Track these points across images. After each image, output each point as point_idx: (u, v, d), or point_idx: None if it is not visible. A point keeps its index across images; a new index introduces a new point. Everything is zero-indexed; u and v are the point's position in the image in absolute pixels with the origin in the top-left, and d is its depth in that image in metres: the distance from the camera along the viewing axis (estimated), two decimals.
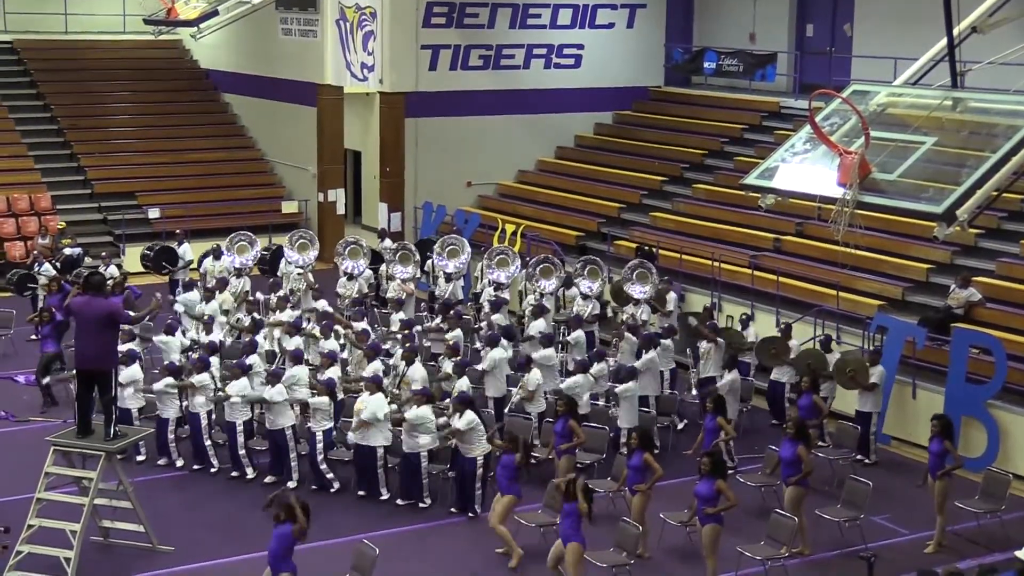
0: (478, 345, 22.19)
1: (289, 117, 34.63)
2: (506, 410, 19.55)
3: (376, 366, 19.18)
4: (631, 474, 16.08)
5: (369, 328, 21.38)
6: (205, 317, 22.17)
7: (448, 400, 18.05)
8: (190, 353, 20.27)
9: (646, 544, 15.92)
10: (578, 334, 21.60)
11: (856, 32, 30.46)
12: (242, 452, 18.31)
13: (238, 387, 18.19)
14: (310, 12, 33.47)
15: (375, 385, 17.69)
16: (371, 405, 17.41)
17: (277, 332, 21.39)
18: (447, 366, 19.71)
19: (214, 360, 19.34)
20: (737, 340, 21.45)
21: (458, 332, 21.44)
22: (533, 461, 16.74)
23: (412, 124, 31.82)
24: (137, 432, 16.91)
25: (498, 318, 22.36)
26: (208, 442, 18.57)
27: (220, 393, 18.34)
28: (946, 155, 14.72)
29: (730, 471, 17.93)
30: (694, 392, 21.20)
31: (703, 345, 20.91)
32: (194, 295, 23.40)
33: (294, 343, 20.34)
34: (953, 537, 16.59)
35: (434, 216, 30.37)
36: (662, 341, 20.76)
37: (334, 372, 19.06)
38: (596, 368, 19.61)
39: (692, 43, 34.29)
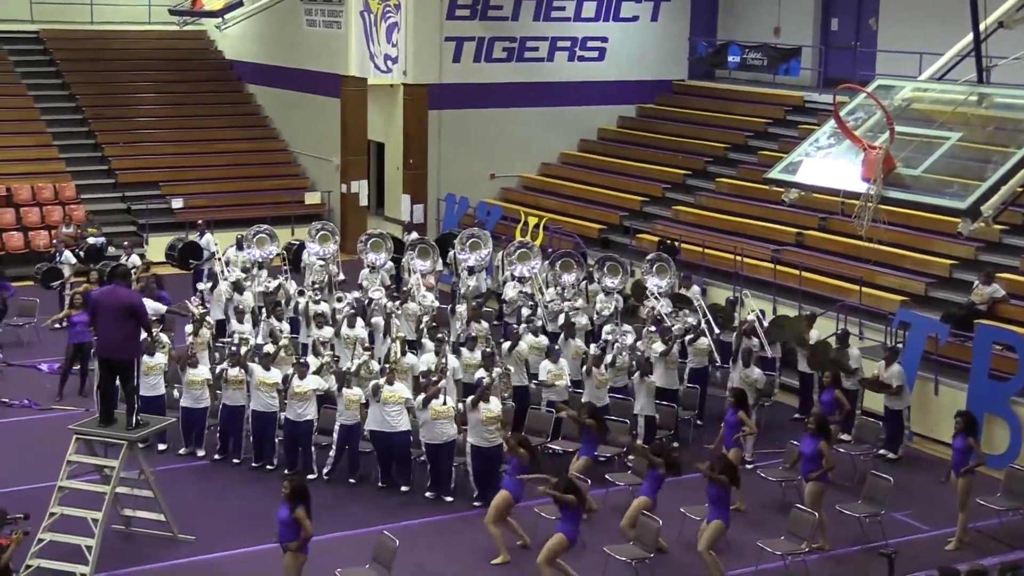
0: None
1: (313, 108, 34.68)
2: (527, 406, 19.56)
3: (411, 358, 19.22)
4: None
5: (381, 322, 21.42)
6: (239, 305, 22.17)
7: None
8: (232, 345, 20.29)
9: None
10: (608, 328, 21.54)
11: (881, 26, 30.34)
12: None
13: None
14: (334, 3, 33.50)
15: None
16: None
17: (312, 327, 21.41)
18: (468, 355, 19.74)
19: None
20: (727, 318, 21.56)
21: (483, 324, 21.42)
22: (550, 451, 16.76)
23: (435, 116, 31.83)
24: (159, 421, 16.95)
25: (521, 308, 22.36)
26: (245, 433, 18.64)
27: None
28: (971, 151, 14.67)
29: (749, 466, 17.95)
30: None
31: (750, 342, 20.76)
32: (221, 286, 23.26)
33: (324, 334, 20.37)
34: (975, 534, 16.54)
35: (457, 208, 30.37)
36: (695, 342, 20.67)
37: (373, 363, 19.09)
38: (619, 360, 19.63)
39: (716, 37, 34.19)
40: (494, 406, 17.16)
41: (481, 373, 18.69)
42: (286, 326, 21.02)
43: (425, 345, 19.99)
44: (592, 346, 20.57)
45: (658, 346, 19.93)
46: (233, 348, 19.47)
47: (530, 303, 22.87)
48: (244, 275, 23.56)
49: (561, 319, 21.80)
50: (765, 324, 21.31)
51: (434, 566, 15.75)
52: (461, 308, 22.14)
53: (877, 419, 19.36)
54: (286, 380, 18.30)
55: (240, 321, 21.23)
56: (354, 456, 18.08)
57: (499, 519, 15.86)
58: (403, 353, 19.10)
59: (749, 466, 18.08)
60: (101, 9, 37.91)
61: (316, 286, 24.00)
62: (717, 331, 21.19)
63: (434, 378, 17.91)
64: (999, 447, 18.88)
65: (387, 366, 18.23)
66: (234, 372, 18.54)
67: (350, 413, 17.92)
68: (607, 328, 21.34)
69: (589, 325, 22.13)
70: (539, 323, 21.99)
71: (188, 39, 38.51)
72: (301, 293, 22.87)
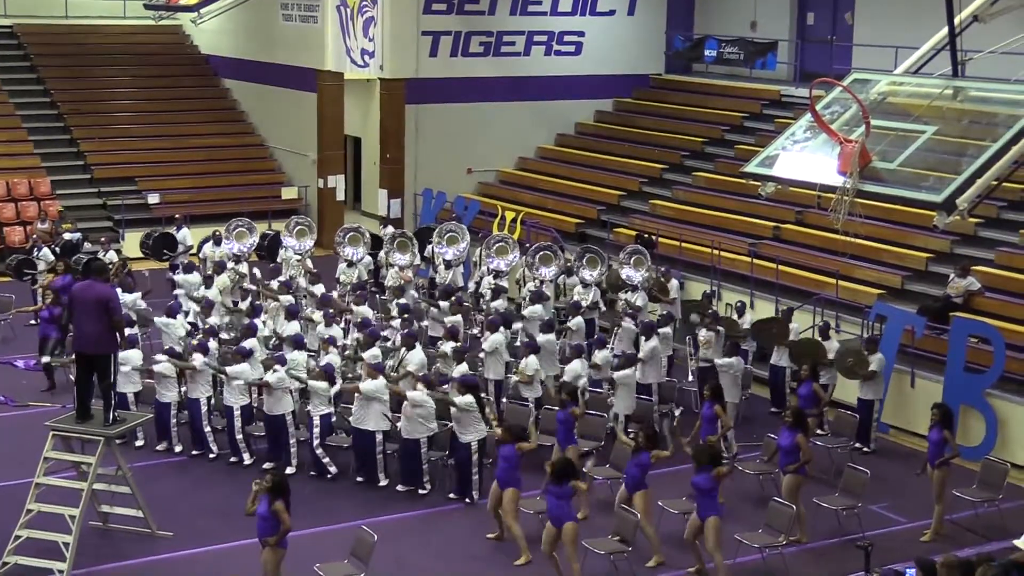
0: (475, 331, 22.20)
1: (289, 103, 34.60)
2: (504, 397, 19.60)
3: (375, 351, 19.19)
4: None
5: (371, 313, 21.42)
6: (203, 300, 22.12)
7: (447, 385, 18.07)
8: (189, 338, 20.28)
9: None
10: (577, 320, 21.61)
11: (857, 20, 30.43)
12: (239, 437, 18.32)
13: (238, 371, 18.20)
14: None
15: (375, 370, 17.71)
16: (371, 387, 17.47)
17: (276, 316, 21.41)
18: (446, 347, 19.73)
19: (212, 344, 19.32)
20: (733, 328, 21.44)
21: (457, 317, 21.44)
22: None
23: (412, 110, 31.81)
24: (136, 417, 16.92)
25: (498, 304, 22.37)
26: (207, 428, 18.59)
27: (221, 374, 18.34)
28: (946, 144, 14.71)
29: (726, 459, 17.96)
30: (690, 378, 21.19)
31: (703, 333, 20.88)
32: (194, 277, 23.39)
33: (292, 328, 20.35)
34: (951, 526, 16.62)
35: (434, 203, 30.37)
36: (661, 329, 20.73)
37: (334, 358, 19.07)
38: (599, 356, 19.63)
39: (693, 31, 34.25)
40: (469, 398, 17.12)
41: (463, 368, 18.70)
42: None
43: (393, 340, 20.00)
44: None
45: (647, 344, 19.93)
46: (195, 342, 19.40)
47: (506, 296, 22.92)
48: (211, 271, 23.48)
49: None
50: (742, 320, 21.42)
51: (413, 560, 15.75)
52: (444, 304, 22.17)
53: (852, 412, 19.41)
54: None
55: (208, 315, 21.22)
56: (314, 452, 18.07)
57: (516, 515, 15.82)
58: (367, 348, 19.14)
59: (728, 459, 18.11)
60: (76, 4, 37.73)
61: (293, 281, 24.01)
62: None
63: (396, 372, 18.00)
64: (975, 439, 18.98)
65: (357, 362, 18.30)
66: (198, 361, 18.51)
67: (316, 407, 17.94)
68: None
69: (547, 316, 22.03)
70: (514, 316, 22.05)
71: (163, 33, 38.37)
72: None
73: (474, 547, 16.09)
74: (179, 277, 23.68)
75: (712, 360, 20.14)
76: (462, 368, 18.54)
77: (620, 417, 18.75)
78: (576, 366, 19.04)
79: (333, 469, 17.97)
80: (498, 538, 16.11)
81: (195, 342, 19.37)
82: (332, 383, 18.13)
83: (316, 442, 17.93)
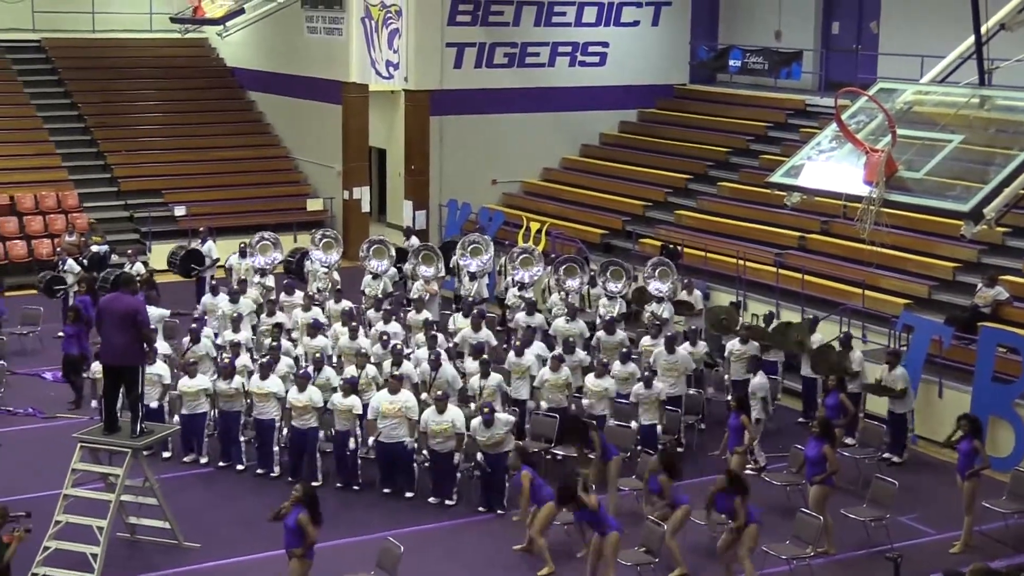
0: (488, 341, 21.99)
1: (314, 115, 34.70)
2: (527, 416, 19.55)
3: (408, 367, 19.21)
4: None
5: (400, 328, 21.40)
6: (234, 315, 22.11)
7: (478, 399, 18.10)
8: (221, 354, 20.30)
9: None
10: (618, 336, 21.38)
11: (882, 29, 30.34)
12: (276, 450, 18.38)
13: (274, 386, 18.28)
14: (336, 10, 33.52)
15: (398, 383, 17.77)
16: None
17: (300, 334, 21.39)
18: (471, 365, 19.68)
19: (243, 360, 19.35)
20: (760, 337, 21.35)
21: (484, 332, 21.37)
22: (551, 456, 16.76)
23: (437, 122, 31.86)
24: (164, 428, 16.96)
25: (538, 321, 22.26)
26: (243, 439, 18.69)
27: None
28: (973, 153, 14.67)
29: (754, 471, 17.92)
30: (725, 390, 21.08)
31: (736, 346, 20.70)
32: (219, 299, 23.17)
33: (317, 344, 20.37)
34: (980, 537, 16.52)
35: (459, 214, 30.39)
36: (689, 344, 20.65)
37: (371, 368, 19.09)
38: (625, 369, 19.58)
39: (717, 41, 34.21)
40: (498, 428, 17.16)
41: (475, 382, 18.72)
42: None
43: (418, 356, 19.93)
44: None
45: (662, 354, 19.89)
46: (227, 359, 19.43)
47: (530, 308, 22.85)
48: (237, 287, 23.43)
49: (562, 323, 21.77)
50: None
51: (439, 571, 15.75)
52: (459, 316, 22.15)
53: (880, 423, 19.34)
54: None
55: (236, 330, 21.20)
56: (354, 463, 18.07)
57: (545, 529, 15.78)
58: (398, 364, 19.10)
59: (754, 471, 18.06)
60: (103, 18, 37.95)
61: (320, 294, 24.03)
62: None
63: (439, 392, 18.00)
64: (1004, 450, 18.86)
65: (389, 376, 18.28)
66: (223, 386, 18.61)
67: (341, 421, 17.95)
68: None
69: (588, 332, 21.94)
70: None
71: (189, 47, 38.55)
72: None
73: (501, 558, 16.08)
74: (202, 303, 23.52)
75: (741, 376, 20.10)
76: (493, 380, 18.62)
77: (634, 426, 18.73)
78: (607, 381, 19.05)
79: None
80: (526, 550, 16.07)
81: (226, 359, 19.40)
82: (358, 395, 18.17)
83: (363, 450, 17.96)
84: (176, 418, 18.72)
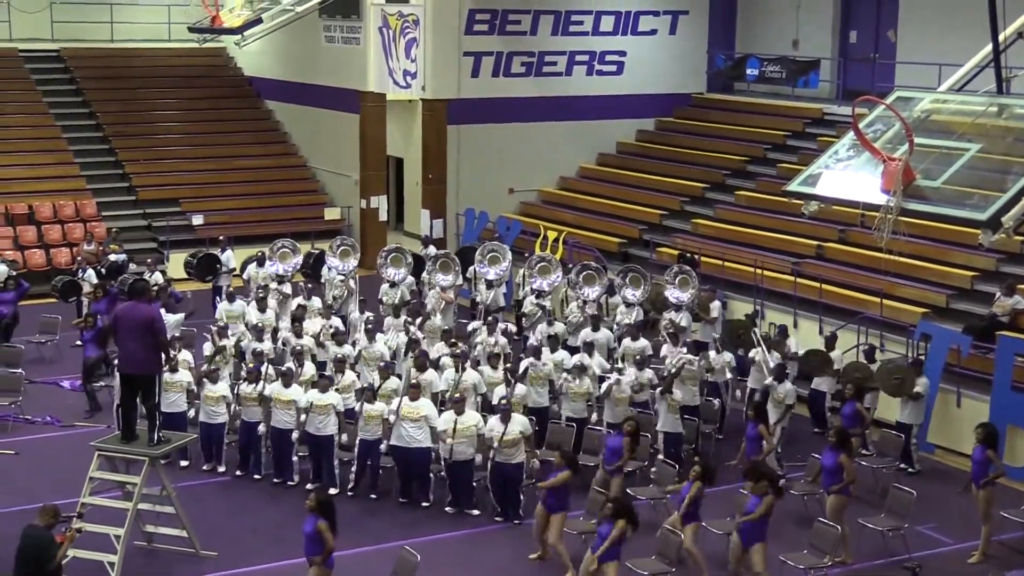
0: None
1: (332, 124, 34.78)
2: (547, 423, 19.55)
3: (432, 373, 19.23)
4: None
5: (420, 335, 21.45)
6: (253, 326, 22.15)
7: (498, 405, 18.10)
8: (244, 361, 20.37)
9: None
10: (640, 343, 21.33)
11: (900, 38, 30.32)
12: (295, 459, 18.40)
13: (296, 394, 18.29)
14: (353, 20, 33.61)
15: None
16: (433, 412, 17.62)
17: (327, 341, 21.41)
18: (490, 373, 19.67)
19: (264, 369, 19.41)
20: (779, 351, 21.28)
21: (503, 340, 21.38)
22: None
23: (454, 131, 31.90)
24: (181, 437, 16.99)
25: (558, 330, 22.24)
26: (263, 449, 18.72)
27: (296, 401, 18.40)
28: (991, 161, 14.62)
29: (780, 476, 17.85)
30: (738, 396, 21.05)
31: (757, 354, 20.66)
32: (235, 306, 23.27)
33: (339, 351, 20.41)
34: (999, 547, 16.46)
35: (476, 223, 30.42)
36: (710, 353, 20.65)
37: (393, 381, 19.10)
38: (643, 375, 19.60)
39: (735, 50, 34.20)
40: (515, 426, 17.13)
41: (501, 391, 18.72)
42: (308, 341, 20.97)
43: (444, 363, 19.93)
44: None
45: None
46: (251, 365, 19.49)
47: (549, 318, 22.85)
48: (262, 293, 23.51)
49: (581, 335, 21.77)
50: (793, 346, 21.25)
51: None
52: (477, 324, 22.15)
53: (896, 432, 19.27)
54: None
55: (259, 339, 21.20)
56: (375, 471, 18.09)
57: (562, 537, 15.75)
58: (422, 370, 19.09)
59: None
60: (121, 27, 38.12)
61: (336, 301, 24.08)
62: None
63: (456, 395, 17.99)
64: (1022, 460, 18.79)
65: (409, 383, 18.29)
66: (247, 389, 18.64)
67: (371, 428, 17.93)
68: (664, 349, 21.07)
69: (612, 341, 21.93)
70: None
71: (207, 56, 38.70)
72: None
73: (517, 568, 16.07)
74: (219, 310, 23.59)
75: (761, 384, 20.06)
76: (520, 390, 18.62)
77: (660, 436, 18.72)
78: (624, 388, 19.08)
79: (349, 486, 18.10)
80: (540, 558, 16.08)
81: (251, 365, 19.44)
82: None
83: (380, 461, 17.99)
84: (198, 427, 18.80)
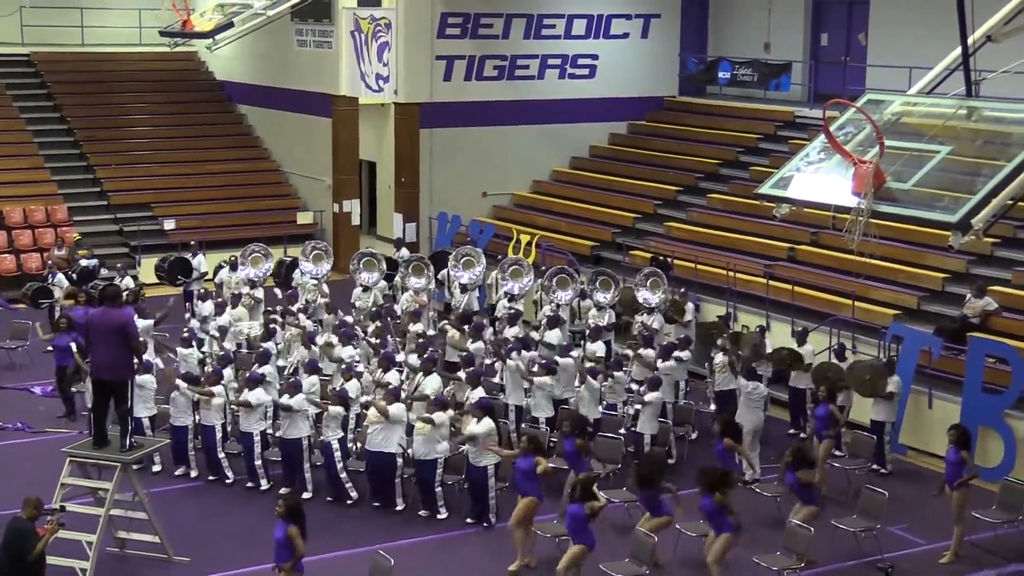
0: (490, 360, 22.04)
1: (304, 128, 34.72)
2: (523, 423, 19.56)
3: (393, 376, 19.20)
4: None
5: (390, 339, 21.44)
6: (217, 329, 22.14)
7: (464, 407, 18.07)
8: (203, 366, 20.31)
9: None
10: (598, 345, 21.45)
11: (871, 41, 30.45)
12: (258, 463, 18.32)
13: (256, 396, 18.20)
14: (325, 24, 33.56)
15: (393, 395, 17.76)
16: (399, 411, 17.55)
17: (294, 343, 21.40)
18: (460, 375, 19.69)
19: (228, 372, 19.34)
20: (757, 352, 21.31)
21: (479, 344, 21.36)
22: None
23: (427, 134, 31.89)
24: (153, 443, 16.93)
25: (515, 331, 22.28)
26: (222, 454, 18.59)
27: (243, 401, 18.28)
28: (961, 164, 14.70)
29: (742, 485, 17.85)
30: (711, 406, 21.08)
31: (718, 358, 20.77)
32: (207, 306, 23.30)
33: (309, 353, 20.38)
34: (970, 547, 16.53)
35: (449, 226, 30.39)
36: (678, 353, 20.69)
37: (352, 384, 19.03)
38: (616, 376, 19.64)
39: (707, 53, 34.30)
40: (489, 423, 17.09)
41: (479, 392, 18.71)
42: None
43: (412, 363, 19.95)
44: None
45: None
46: (209, 370, 19.42)
47: (521, 320, 22.87)
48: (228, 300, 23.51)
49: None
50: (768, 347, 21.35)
51: None
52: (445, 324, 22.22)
53: (868, 433, 19.33)
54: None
55: (221, 343, 21.20)
56: (335, 478, 18.02)
57: (523, 522, 15.78)
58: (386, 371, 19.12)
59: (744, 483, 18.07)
60: (92, 31, 37.95)
61: (309, 306, 24.02)
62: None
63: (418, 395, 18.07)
64: (993, 460, 18.87)
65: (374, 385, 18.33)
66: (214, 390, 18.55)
67: (332, 431, 17.91)
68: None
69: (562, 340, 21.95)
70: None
71: (179, 60, 38.56)
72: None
73: (491, 571, 16.04)
74: (198, 306, 23.66)
75: (726, 386, 20.11)
76: (478, 392, 18.54)
77: (647, 438, 18.74)
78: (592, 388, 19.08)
79: (354, 494, 17.93)
80: (526, 566, 15.99)
81: (209, 368, 19.40)
82: (347, 408, 18.14)
83: (339, 466, 17.89)
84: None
